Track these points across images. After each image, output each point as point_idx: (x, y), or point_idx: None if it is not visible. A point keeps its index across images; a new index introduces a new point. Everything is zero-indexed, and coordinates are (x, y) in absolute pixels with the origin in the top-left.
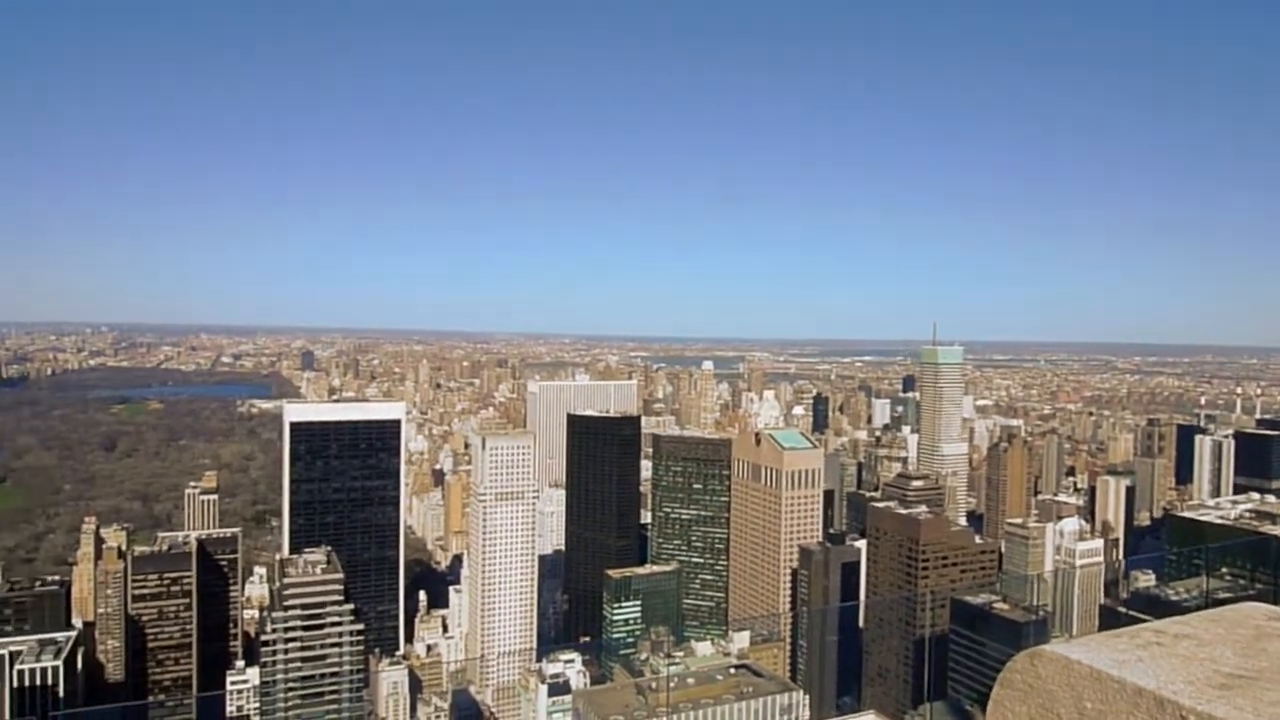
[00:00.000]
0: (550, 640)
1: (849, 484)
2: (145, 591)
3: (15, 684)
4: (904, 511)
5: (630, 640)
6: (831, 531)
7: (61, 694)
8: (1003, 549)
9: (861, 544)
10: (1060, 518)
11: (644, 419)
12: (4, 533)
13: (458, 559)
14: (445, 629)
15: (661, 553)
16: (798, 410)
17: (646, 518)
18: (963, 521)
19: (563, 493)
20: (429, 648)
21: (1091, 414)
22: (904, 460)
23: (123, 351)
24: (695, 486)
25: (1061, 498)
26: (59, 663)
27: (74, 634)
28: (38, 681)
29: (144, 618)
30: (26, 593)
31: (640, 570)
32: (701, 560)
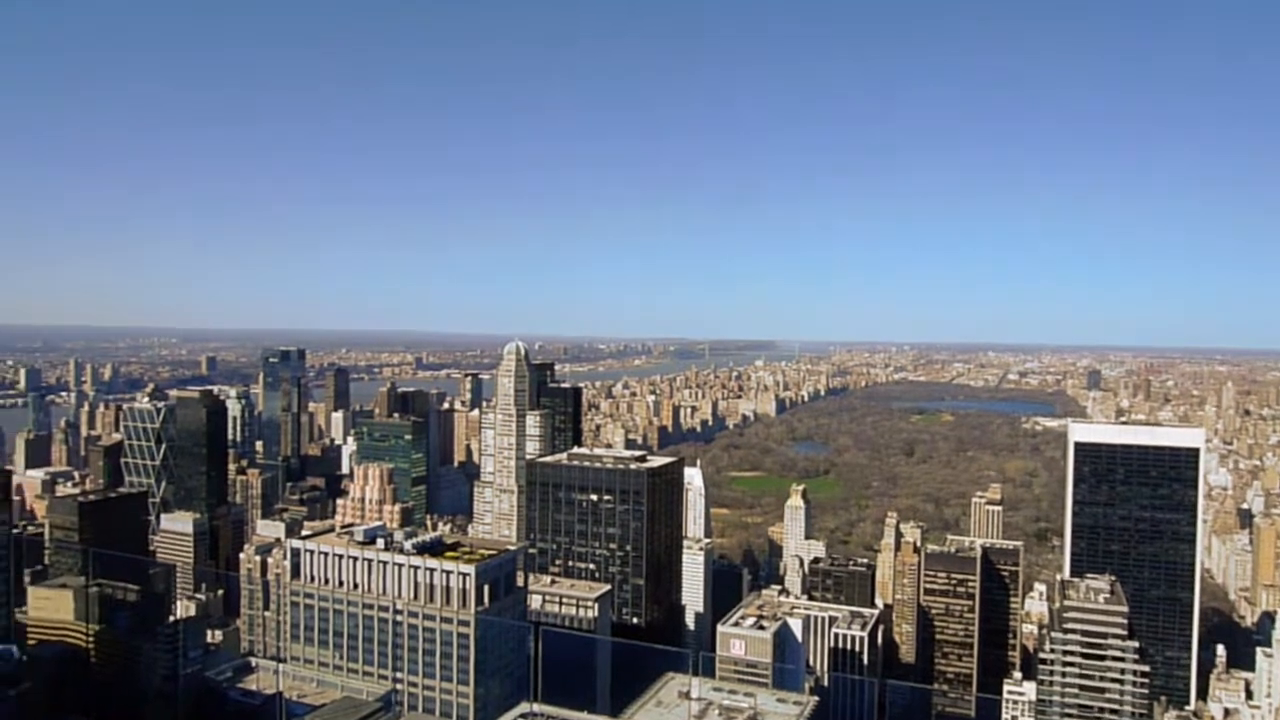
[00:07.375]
0: None
1: None
2: (935, 586)
3: (831, 644)
4: None
5: None
6: None
7: (865, 662)
8: None
9: None
10: None
11: None
12: (828, 515)
13: (1268, 616)
14: (1249, 695)
15: None
16: None
17: None
18: None
19: None
20: (1226, 711)
21: None
22: None
23: (921, 367)
24: None
25: None
26: (864, 634)
27: (877, 612)
28: (848, 646)
29: (933, 610)
30: (842, 569)
31: None
32: None
